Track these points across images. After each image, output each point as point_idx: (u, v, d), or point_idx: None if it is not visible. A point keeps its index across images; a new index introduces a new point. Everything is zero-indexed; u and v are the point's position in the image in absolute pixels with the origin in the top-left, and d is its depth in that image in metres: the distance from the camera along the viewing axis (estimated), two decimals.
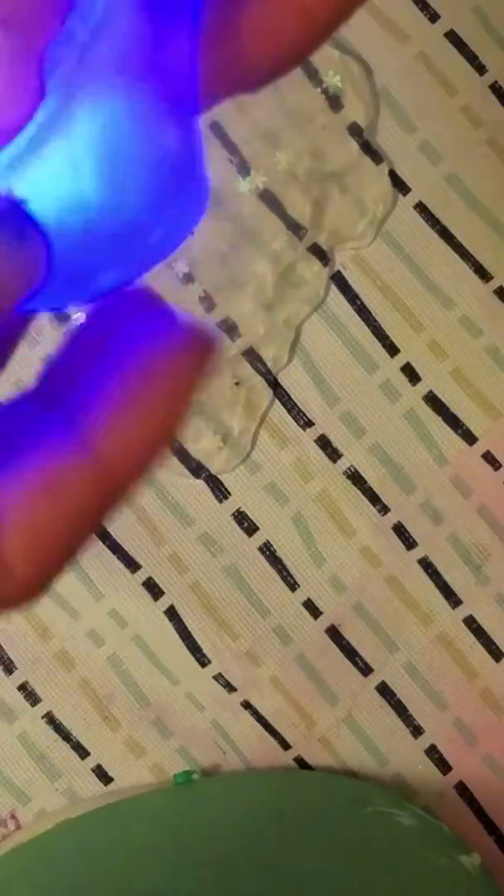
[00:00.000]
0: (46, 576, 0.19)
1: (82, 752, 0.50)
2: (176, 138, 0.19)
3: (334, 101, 0.50)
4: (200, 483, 0.50)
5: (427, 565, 0.50)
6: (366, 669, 0.50)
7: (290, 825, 0.48)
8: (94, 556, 0.50)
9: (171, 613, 0.50)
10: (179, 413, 0.19)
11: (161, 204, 0.19)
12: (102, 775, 0.50)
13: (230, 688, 0.50)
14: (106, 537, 0.50)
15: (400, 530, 0.50)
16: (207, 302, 0.49)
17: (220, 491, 0.50)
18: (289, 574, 0.50)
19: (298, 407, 0.50)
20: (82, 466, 0.19)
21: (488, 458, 0.51)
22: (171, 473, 0.50)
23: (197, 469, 0.50)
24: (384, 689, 0.50)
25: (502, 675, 0.50)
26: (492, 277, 0.51)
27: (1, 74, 0.16)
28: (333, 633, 0.50)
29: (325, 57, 0.49)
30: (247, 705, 0.50)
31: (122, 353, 0.19)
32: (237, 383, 0.50)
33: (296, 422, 0.50)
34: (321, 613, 0.50)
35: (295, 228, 0.49)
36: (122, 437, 0.19)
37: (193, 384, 0.19)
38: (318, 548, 0.50)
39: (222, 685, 0.50)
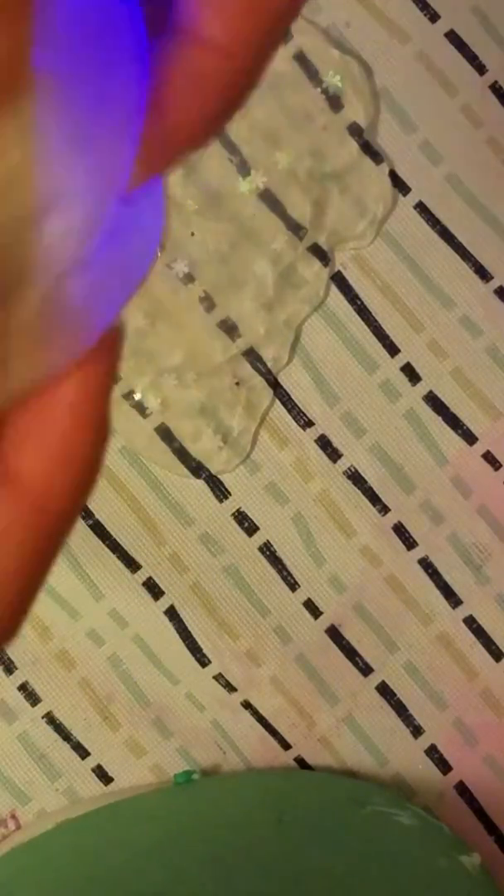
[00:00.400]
0: (14, 623, 0.18)
1: (82, 752, 0.50)
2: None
3: (334, 101, 0.50)
4: (200, 483, 0.50)
5: (427, 565, 0.50)
6: (366, 669, 0.50)
7: (290, 825, 0.48)
8: (94, 556, 0.50)
9: (171, 613, 0.50)
10: (103, 437, 0.18)
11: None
12: (102, 775, 0.50)
13: (230, 688, 0.50)
14: (106, 537, 0.50)
15: (400, 530, 0.50)
16: (207, 302, 0.49)
17: (220, 491, 0.50)
18: (289, 574, 0.50)
19: (298, 407, 0.50)
20: (11, 508, 0.18)
21: (488, 458, 0.51)
22: (171, 473, 0.50)
23: (197, 469, 0.50)
24: (384, 689, 0.50)
25: (502, 675, 0.50)
26: (492, 277, 0.51)
27: None
28: (333, 633, 0.50)
29: (325, 57, 0.49)
30: (247, 705, 0.50)
31: None
32: (237, 383, 0.50)
33: (296, 422, 0.50)
34: (321, 613, 0.50)
35: (295, 228, 0.49)
36: (47, 461, 0.18)
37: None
38: (318, 548, 0.50)
39: (222, 685, 0.50)
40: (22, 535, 0.18)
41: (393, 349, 0.51)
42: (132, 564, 0.50)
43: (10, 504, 0.18)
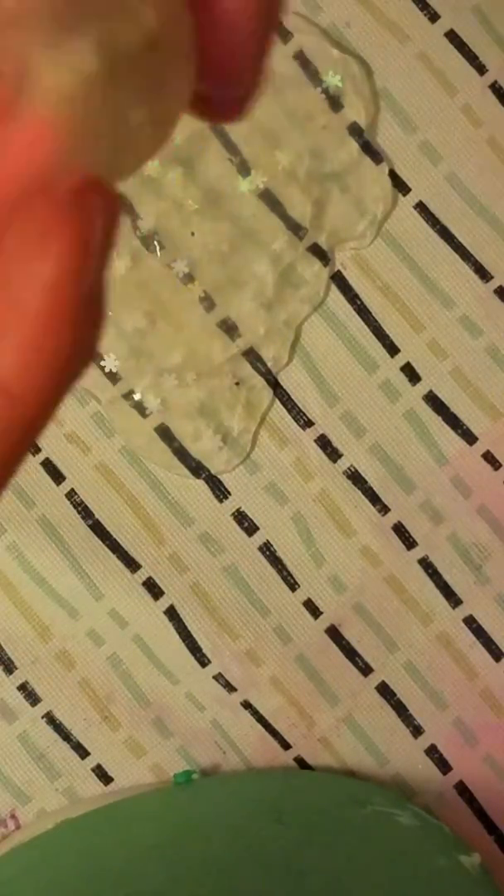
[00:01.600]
0: None
1: (82, 752, 0.50)
2: None
3: (334, 101, 0.50)
4: (200, 483, 0.50)
5: (427, 565, 0.50)
6: (366, 669, 0.50)
7: (289, 825, 0.48)
8: (94, 556, 0.50)
9: (171, 613, 0.50)
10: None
11: None
12: (102, 775, 0.50)
13: (230, 688, 0.50)
14: (106, 537, 0.50)
15: (400, 530, 0.50)
16: (207, 302, 0.49)
17: (220, 491, 0.50)
18: (289, 574, 0.50)
19: (298, 407, 0.50)
20: None
21: (488, 458, 0.51)
22: (171, 473, 0.50)
23: (197, 469, 0.50)
24: (384, 689, 0.50)
25: (502, 675, 0.50)
26: (492, 277, 0.51)
27: None
28: (333, 633, 0.50)
29: (325, 57, 0.49)
30: (247, 705, 0.50)
31: None
32: (237, 383, 0.50)
33: (296, 422, 0.50)
34: (321, 613, 0.50)
35: (295, 228, 0.49)
36: (19, 351, 0.16)
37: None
38: (318, 548, 0.50)
39: (222, 685, 0.50)
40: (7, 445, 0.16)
41: (393, 349, 0.51)
42: (132, 564, 0.50)
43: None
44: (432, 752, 0.50)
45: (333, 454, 0.50)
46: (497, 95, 0.51)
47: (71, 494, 0.50)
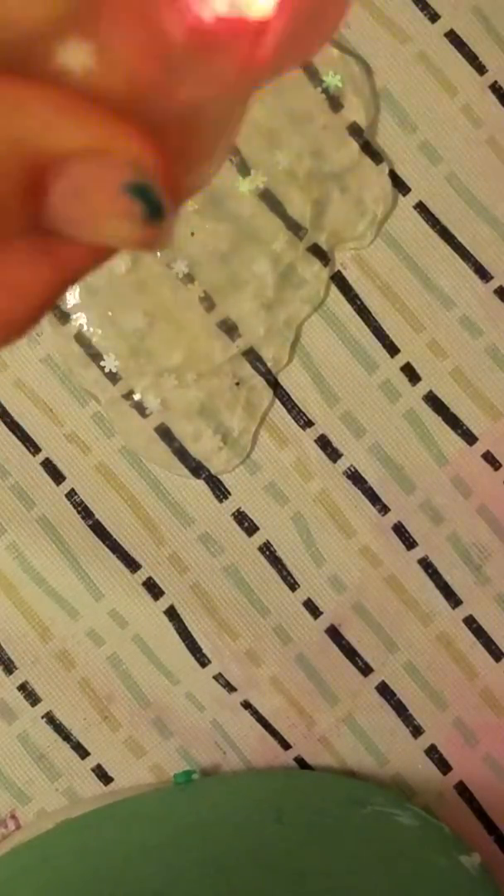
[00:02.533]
0: None
1: (82, 752, 0.50)
2: None
3: (334, 101, 0.50)
4: (200, 483, 0.50)
5: (427, 565, 0.50)
6: (366, 669, 0.50)
7: (289, 825, 0.48)
8: (94, 556, 0.50)
9: (171, 613, 0.50)
10: None
11: None
12: (102, 775, 0.50)
13: (230, 688, 0.50)
14: (106, 537, 0.50)
15: (400, 530, 0.50)
16: (207, 302, 0.49)
17: (220, 491, 0.50)
18: (289, 574, 0.50)
19: (298, 407, 0.50)
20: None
21: (488, 458, 0.51)
22: (171, 473, 0.50)
23: (197, 469, 0.50)
24: (384, 689, 0.50)
25: (502, 675, 0.50)
26: (492, 277, 0.51)
27: None
28: (333, 633, 0.50)
29: (325, 57, 0.49)
30: (247, 705, 0.50)
31: None
32: (237, 383, 0.50)
33: (296, 422, 0.50)
34: (321, 613, 0.50)
35: (295, 228, 0.49)
36: None
37: None
38: (318, 548, 0.50)
39: (222, 685, 0.50)
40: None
41: (393, 349, 0.51)
42: (132, 564, 0.50)
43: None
44: (432, 752, 0.50)
45: (333, 454, 0.50)
46: (497, 95, 0.51)
47: (71, 494, 0.50)
